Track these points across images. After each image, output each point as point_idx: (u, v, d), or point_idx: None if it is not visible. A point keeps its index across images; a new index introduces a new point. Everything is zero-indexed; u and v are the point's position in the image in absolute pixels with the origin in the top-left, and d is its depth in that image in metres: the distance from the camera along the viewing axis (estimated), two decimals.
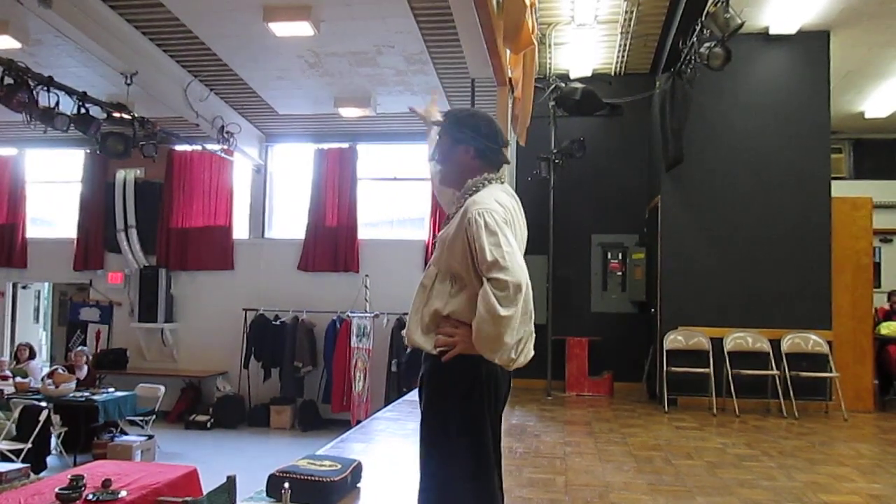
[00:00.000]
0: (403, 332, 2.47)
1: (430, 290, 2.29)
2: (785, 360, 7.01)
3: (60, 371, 8.36)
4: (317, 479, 3.56)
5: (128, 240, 11.33)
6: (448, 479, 2.17)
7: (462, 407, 2.18)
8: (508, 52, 6.43)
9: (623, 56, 8.36)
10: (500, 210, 2.20)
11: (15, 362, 9.15)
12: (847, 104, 9.15)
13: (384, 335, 10.22)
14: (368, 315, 10.11)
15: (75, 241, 11.59)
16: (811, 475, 4.51)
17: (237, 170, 11.38)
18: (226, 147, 9.89)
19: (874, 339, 7.63)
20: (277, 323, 10.56)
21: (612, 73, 8.82)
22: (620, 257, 8.81)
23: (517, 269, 2.09)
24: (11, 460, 6.60)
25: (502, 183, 2.36)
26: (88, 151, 11.46)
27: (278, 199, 11.69)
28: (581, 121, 8.67)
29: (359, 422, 7.66)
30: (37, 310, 13.10)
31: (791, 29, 7.27)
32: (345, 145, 11.07)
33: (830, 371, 6.99)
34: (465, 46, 6.36)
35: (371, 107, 9.50)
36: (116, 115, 8.04)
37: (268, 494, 3.58)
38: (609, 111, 8.52)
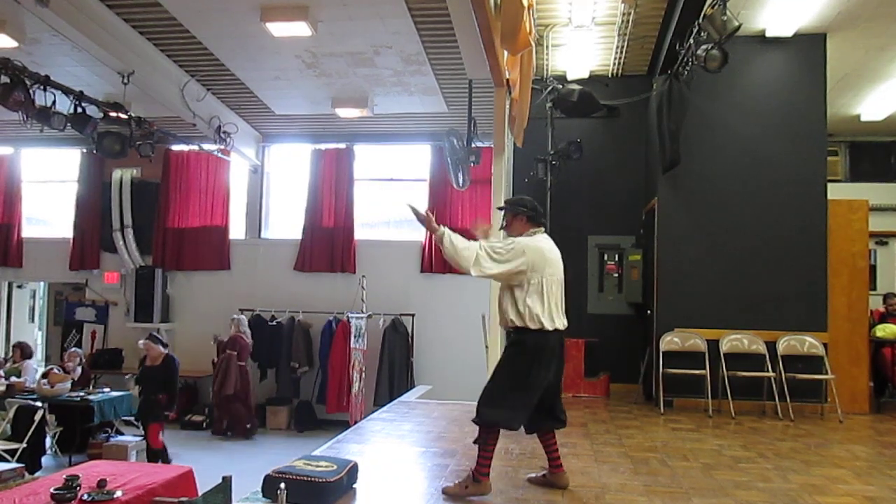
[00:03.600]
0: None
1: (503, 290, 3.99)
2: (781, 362, 7.02)
3: (56, 371, 8.33)
4: (313, 479, 3.56)
5: (124, 239, 11.31)
6: (498, 377, 3.94)
7: (517, 353, 3.89)
8: (506, 53, 6.44)
9: (620, 58, 8.37)
10: (529, 243, 3.91)
11: (12, 362, 9.12)
12: (843, 107, 9.17)
13: (378, 336, 10.22)
14: (363, 315, 10.11)
15: (71, 241, 11.57)
16: (806, 477, 4.51)
17: (234, 170, 11.37)
18: (223, 147, 9.88)
19: (869, 342, 7.64)
20: (274, 323, 10.55)
21: (610, 75, 8.83)
22: (617, 259, 8.81)
23: (496, 271, 3.85)
24: (6, 460, 6.57)
25: (544, 233, 4.09)
26: (85, 151, 11.45)
27: (275, 200, 11.68)
28: (578, 122, 8.68)
29: (356, 422, 7.65)
30: (32, 309, 13.07)
31: (788, 31, 7.29)
32: (342, 146, 11.07)
33: (826, 373, 7.00)
34: (462, 47, 6.37)
35: (368, 107, 9.51)
36: (113, 114, 8.03)
37: (264, 495, 3.57)
38: (606, 113, 8.53)
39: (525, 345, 3.86)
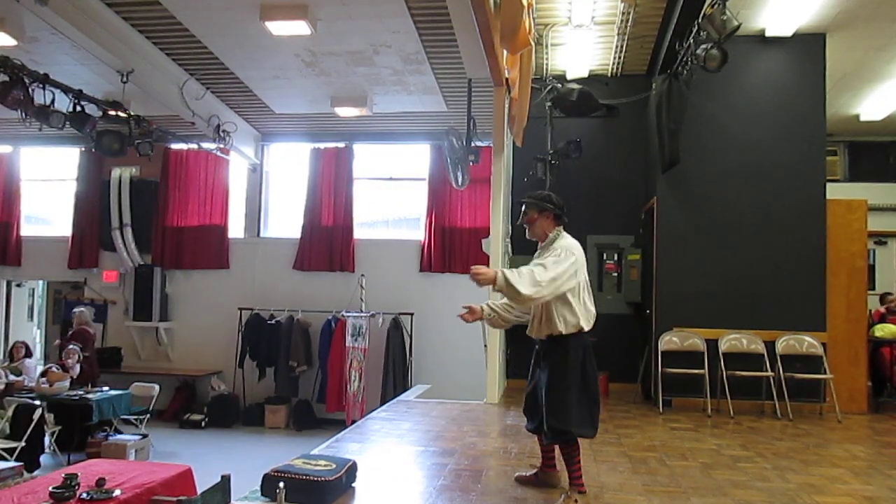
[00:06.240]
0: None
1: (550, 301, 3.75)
2: (779, 362, 7.02)
3: (54, 369, 8.33)
4: (312, 478, 3.56)
5: (123, 238, 11.30)
6: (560, 392, 3.74)
7: (565, 362, 3.76)
8: (505, 52, 6.44)
9: (620, 57, 8.37)
10: (571, 248, 3.78)
11: (10, 360, 9.12)
12: (842, 107, 9.18)
13: (380, 335, 10.21)
14: (364, 315, 10.11)
15: (70, 240, 11.56)
16: (805, 476, 4.52)
17: (233, 169, 11.37)
18: (222, 146, 9.88)
19: (868, 341, 7.65)
20: (272, 322, 10.54)
21: (609, 74, 8.83)
22: (616, 258, 8.81)
23: (553, 277, 3.60)
24: (5, 459, 6.57)
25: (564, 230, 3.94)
26: (84, 149, 11.45)
27: (274, 199, 11.68)
28: (577, 122, 8.68)
29: (354, 422, 7.65)
30: (31, 308, 13.06)
31: (787, 31, 7.29)
32: (341, 145, 11.07)
33: (825, 373, 7.00)
34: (462, 46, 6.37)
35: (367, 106, 9.50)
36: (112, 113, 8.02)
37: (262, 494, 3.57)
38: (605, 112, 8.53)
39: (579, 348, 3.79)
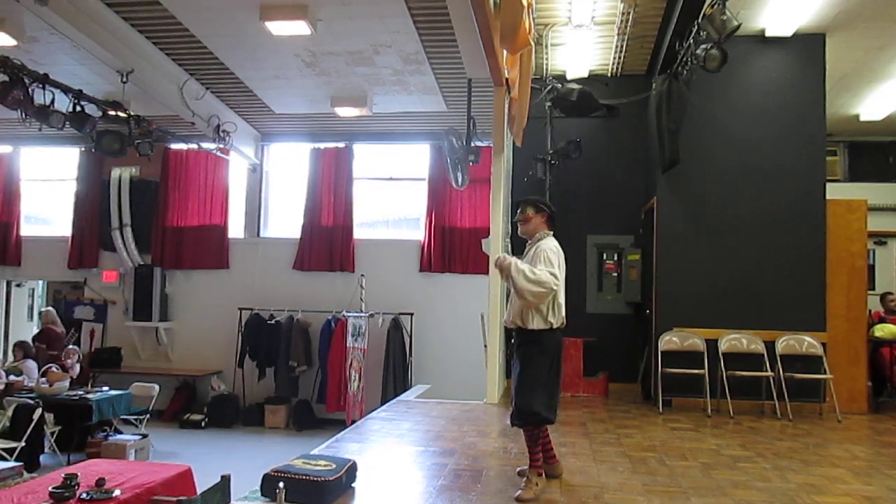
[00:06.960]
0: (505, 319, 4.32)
1: None
2: (779, 362, 7.02)
3: (54, 369, 8.33)
4: (312, 478, 3.56)
5: (123, 238, 11.30)
6: (529, 377, 4.03)
7: (539, 352, 4.04)
8: (505, 52, 6.44)
9: (620, 57, 8.36)
10: (556, 250, 4.11)
11: (12, 360, 9.12)
12: (842, 107, 9.18)
13: (380, 334, 10.22)
14: (364, 315, 10.11)
15: (70, 240, 11.56)
16: (805, 476, 4.52)
17: (233, 169, 11.37)
18: (222, 146, 9.88)
19: (868, 341, 7.64)
20: (272, 322, 10.54)
21: (609, 75, 8.83)
22: (616, 258, 8.81)
23: (545, 280, 3.92)
24: (5, 459, 6.57)
25: (552, 235, 4.25)
26: (84, 149, 11.45)
27: (274, 199, 11.68)
28: (577, 122, 8.67)
29: (353, 422, 7.65)
30: (31, 308, 13.05)
31: (787, 31, 7.29)
32: (341, 145, 11.07)
33: (824, 373, 7.00)
34: (462, 46, 6.37)
35: (367, 106, 9.50)
36: (112, 113, 8.03)
37: (262, 494, 3.58)
38: (605, 112, 8.53)
39: (549, 343, 4.06)
